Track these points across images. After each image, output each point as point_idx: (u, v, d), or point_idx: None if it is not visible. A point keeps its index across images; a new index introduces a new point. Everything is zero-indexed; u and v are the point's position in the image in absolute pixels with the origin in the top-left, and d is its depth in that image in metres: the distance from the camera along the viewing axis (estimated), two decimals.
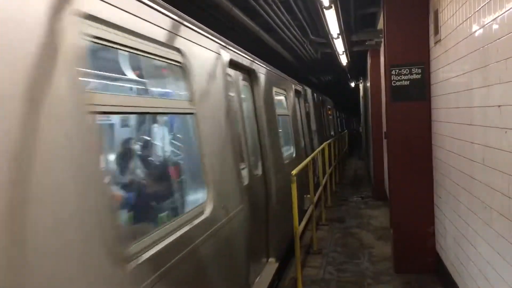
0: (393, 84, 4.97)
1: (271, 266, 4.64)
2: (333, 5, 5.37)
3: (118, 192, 2.91)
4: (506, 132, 2.60)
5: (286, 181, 5.33)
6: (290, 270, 5.28)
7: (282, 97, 6.58)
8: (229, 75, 3.86)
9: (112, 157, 3.39)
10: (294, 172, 4.38)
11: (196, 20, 3.40)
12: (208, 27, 3.63)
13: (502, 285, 2.79)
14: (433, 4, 4.53)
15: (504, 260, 2.72)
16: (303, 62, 10.89)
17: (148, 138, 3.87)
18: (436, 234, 4.90)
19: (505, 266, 2.71)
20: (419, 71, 4.87)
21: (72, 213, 1.49)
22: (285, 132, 6.71)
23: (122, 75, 3.82)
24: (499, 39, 2.66)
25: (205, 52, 3.19)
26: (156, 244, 2.07)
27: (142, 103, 2.45)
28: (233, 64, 3.94)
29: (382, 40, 6.30)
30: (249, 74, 4.72)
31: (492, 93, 2.82)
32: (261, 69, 5.13)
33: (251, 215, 3.83)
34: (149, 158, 3.63)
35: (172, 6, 2.80)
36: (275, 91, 5.85)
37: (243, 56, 4.38)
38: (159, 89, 3.78)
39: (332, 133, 14.76)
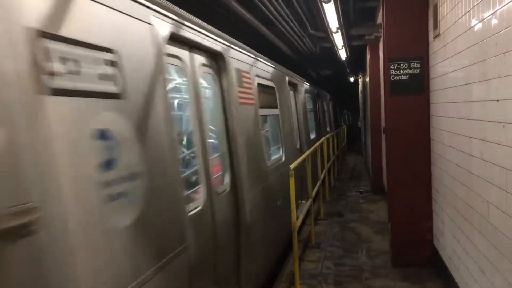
0: (392, 79, 4.97)
1: None
2: None
3: None
4: (504, 126, 2.60)
5: (270, 192, 4.87)
6: (288, 264, 5.31)
7: (269, 90, 5.60)
8: (174, 57, 2.88)
9: None
10: (292, 166, 4.40)
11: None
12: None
13: (498, 278, 2.81)
14: None
15: (501, 254, 2.73)
16: (302, 57, 10.87)
17: None
18: (433, 228, 4.92)
19: (502, 260, 2.72)
20: (418, 65, 4.87)
21: None
22: (273, 133, 5.91)
23: None
24: (498, 33, 2.65)
25: (114, 16, 2.09)
26: None
27: None
28: (178, 40, 2.91)
29: (381, 34, 6.29)
30: (216, 59, 3.65)
31: (491, 87, 2.82)
32: (235, 53, 4.05)
33: (204, 252, 3.01)
34: None
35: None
36: (259, 83, 4.88)
37: (199, 32, 3.17)
38: None
39: (328, 129, 14.26)
